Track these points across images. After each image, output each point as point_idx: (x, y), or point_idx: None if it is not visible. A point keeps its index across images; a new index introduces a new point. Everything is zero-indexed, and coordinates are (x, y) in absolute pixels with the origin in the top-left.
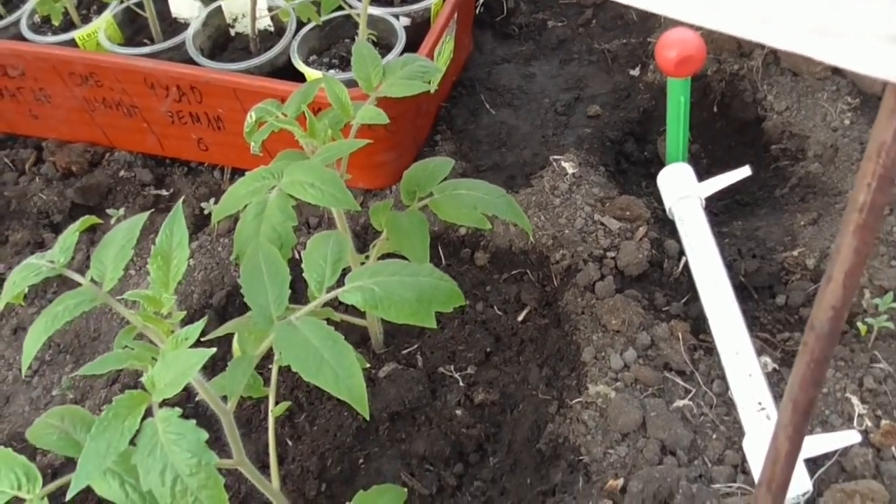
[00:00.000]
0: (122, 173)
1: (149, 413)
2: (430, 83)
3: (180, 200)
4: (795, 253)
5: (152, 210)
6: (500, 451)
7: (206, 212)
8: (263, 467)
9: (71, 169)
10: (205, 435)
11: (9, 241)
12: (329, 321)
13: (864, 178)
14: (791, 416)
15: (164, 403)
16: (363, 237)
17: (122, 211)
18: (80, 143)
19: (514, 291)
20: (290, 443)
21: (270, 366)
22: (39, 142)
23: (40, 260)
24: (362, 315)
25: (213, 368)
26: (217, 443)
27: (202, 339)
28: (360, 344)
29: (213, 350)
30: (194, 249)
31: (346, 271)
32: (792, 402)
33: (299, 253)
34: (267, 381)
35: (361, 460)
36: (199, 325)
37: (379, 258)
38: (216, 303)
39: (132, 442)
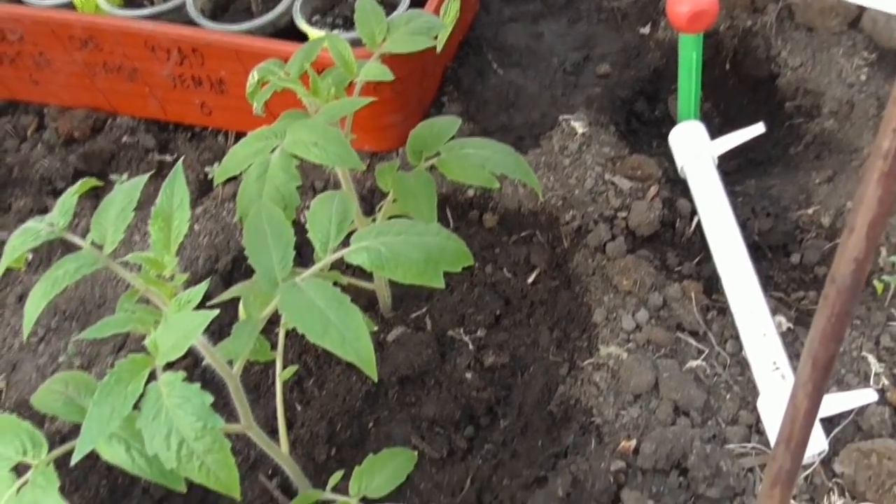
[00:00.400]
0: (124, 139)
1: (153, 377)
2: (435, 39)
3: (180, 161)
4: (810, 211)
5: (155, 175)
6: (511, 414)
7: (210, 177)
8: (273, 432)
9: (73, 135)
10: (210, 398)
11: (12, 208)
12: (336, 284)
13: (889, 124)
14: (811, 373)
15: (171, 368)
16: (370, 200)
17: (125, 177)
18: (81, 109)
19: (524, 253)
20: (299, 407)
21: (278, 330)
22: (41, 108)
23: (39, 224)
24: (370, 278)
25: (219, 334)
26: (226, 408)
27: (208, 304)
28: (368, 308)
29: (216, 312)
30: (199, 214)
31: (353, 233)
32: (811, 358)
33: (306, 217)
34: (274, 346)
35: (371, 424)
36: (202, 287)
37: (387, 220)
38: (222, 268)
39: (136, 406)
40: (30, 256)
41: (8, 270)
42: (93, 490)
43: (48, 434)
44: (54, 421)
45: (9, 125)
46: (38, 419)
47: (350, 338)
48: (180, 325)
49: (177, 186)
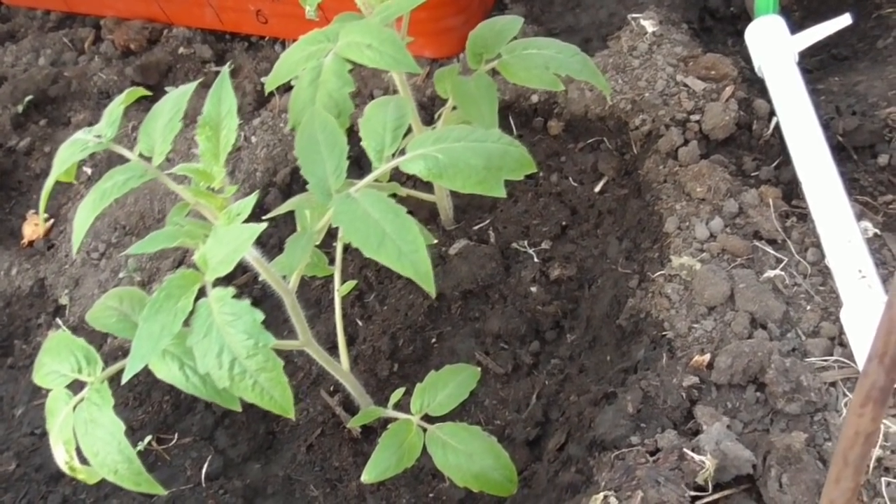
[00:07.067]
0: (181, 50)
1: (203, 293)
2: None
3: (226, 66)
4: None
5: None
6: (578, 328)
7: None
8: (335, 348)
9: (129, 47)
10: (261, 315)
11: (71, 122)
12: (395, 196)
13: None
14: None
15: (228, 286)
16: (430, 109)
17: None
18: (137, 20)
19: (591, 161)
20: (360, 323)
21: (335, 244)
22: (97, 20)
23: (87, 135)
24: (431, 189)
25: (279, 249)
26: (286, 324)
27: (265, 218)
28: (430, 220)
29: (265, 225)
30: (256, 126)
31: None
32: None
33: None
34: (333, 261)
35: (434, 339)
36: (252, 199)
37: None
38: (280, 181)
39: (188, 324)
40: (89, 171)
41: (69, 186)
42: (156, 405)
43: (110, 351)
44: (116, 337)
45: (66, 38)
46: (100, 336)
47: (407, 250)
48: (230, 238)
49: (224, 93)
